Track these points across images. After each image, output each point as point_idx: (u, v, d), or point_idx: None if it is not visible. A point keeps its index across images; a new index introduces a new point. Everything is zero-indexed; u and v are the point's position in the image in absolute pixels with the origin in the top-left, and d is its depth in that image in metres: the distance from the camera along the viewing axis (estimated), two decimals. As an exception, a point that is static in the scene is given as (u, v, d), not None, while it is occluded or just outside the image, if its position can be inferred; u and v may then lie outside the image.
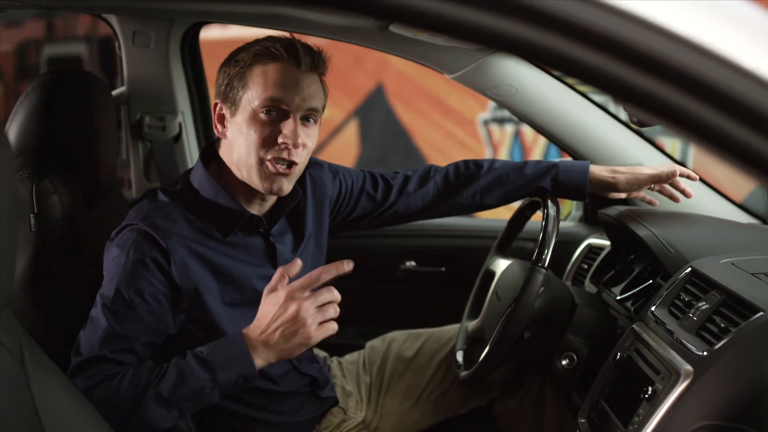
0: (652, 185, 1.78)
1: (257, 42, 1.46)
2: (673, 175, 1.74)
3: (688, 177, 1.77)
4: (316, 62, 1.45)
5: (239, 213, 1.49)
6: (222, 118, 1.49)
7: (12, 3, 1.70)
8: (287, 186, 1.47)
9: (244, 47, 1.47)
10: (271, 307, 1.32)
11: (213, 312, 1.47)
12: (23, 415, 0.93)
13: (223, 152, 1.50)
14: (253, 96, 1.42)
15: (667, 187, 1.78)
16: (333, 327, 1.32)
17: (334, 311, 1.31)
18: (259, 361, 1.33)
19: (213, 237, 1.48)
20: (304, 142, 1.44)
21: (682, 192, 1.78)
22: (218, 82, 1.49)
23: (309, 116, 1.45)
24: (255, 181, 1.45)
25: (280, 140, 1.42)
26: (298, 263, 1.35)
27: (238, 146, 1.45)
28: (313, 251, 1.65)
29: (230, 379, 1.32)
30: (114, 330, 1.36)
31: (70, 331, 1.42)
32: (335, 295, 1.31)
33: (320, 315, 1.30)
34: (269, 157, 1.43)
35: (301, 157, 1.45)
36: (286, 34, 1.48)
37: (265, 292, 1.34)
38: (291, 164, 1.44)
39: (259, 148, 1.42)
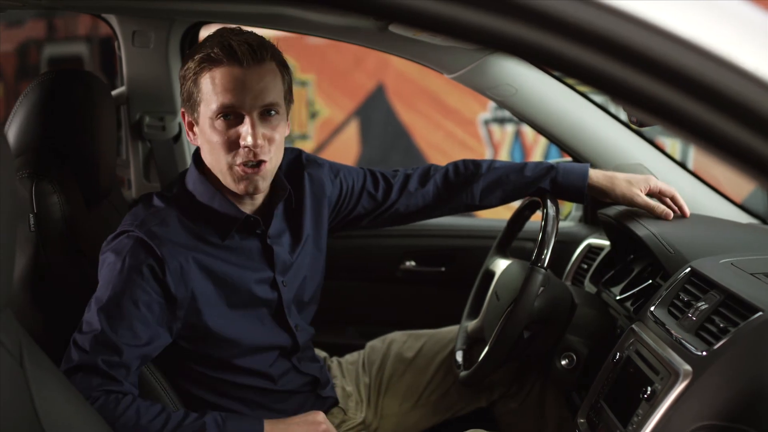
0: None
1: (200, 47, 1.44)
2: (666, 217, 1.70)
3: (682, 212, 1.72)
4: (259, 55, 1.41)
5: (235, 216, 1.49)
6: (191, 125, 1.49)
7: (12, 3, 1.70)
8: (263, 184, 1.46)
9: (190, 53, 1.46)
10: None
11: (210, 319, 1.48)
12: (23, 415, 0.93)
13: (203, 156, 1.51)
14: (207, 105, 1.42)
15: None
16: None
17: None
18: None
19: (210, 242, 1.49)
20: (269, 136, 1.43)
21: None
22: (180, 89, 1.49)
23: (268, 110, 1.43)
24: (231, 184, 1.46)
25: (241, 143, 1.41)
26: None
27: (208, 153, 1.46)
28: (312, 252, 1.65)
29: None
30: (106, 335, 1.37)
31: (70, 331, 1.42)
32: None
33: None
34: (237, 162, 1.42)
35: (269, 154, 1.44)
36: (223, 33, 1.43)
37: (311, 418, 1.47)
38: (260, 163, 1.43)
39: (224, 154, 1.42)
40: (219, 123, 1.42)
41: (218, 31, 1.45)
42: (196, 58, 1.43)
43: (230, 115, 1.41)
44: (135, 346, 1.39)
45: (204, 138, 1.45)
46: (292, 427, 1.44)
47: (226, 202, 1.49)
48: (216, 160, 1.45)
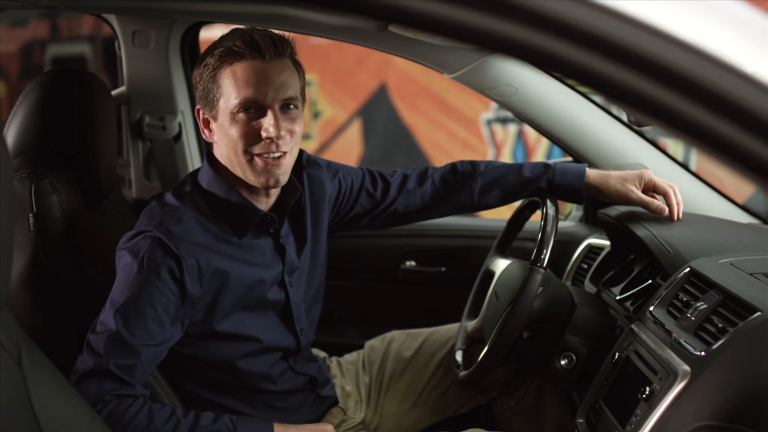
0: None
1: (219, 42, 1.45)
2: (660, 213, 1.70)
3: (670, 213, 1.68)
4: (280, 49, 1.44)
5: (253, 211, 1.49)
6: (207, 122, 1.49)
7: (12, 3, 1.70)
8: (283, 177, 1.47)
9: (209, 49, 1.46)
10: None
11: (220, 318, 1.48)
12: (21, 414, 0.93)
13: (217, 154, 1.51)
14: (227, 99, 1.43)
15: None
16: None
17: None
18: None
19: (226, 240, 1.49)
20: (290, 129, 1.44)
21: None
22: (195, 86, 1.49)
23: (288, 104, 1.45)
24: (250, 177, 1.46)
25: (263, 135, 1.42)
26: None
27: (226, 148, 1.46)
28: (312, 249, 1.66)
29: None
30: (122, 337, 1.37)
31: (70, 331, 1.42)
32: None
33: None
34: (257, 152, 1.43)
35: (289, 146, 1.45)
36: (244, 28, 1.46)
37: (319, 426, 1.54)
38: (281, 155, 1.44)
39: (245, 146, 1.43)
40: (240, 116, 1.42)
41: (234, 29, 1.46)
42: (215, 53, 1.43)
43: (252, 109, 1.42)
44: (150, 346, 1.39)
45: (223, 133, 1.45)
46: None
47: (242, 198, 1.49)
48: (235, 153, 1.45)
